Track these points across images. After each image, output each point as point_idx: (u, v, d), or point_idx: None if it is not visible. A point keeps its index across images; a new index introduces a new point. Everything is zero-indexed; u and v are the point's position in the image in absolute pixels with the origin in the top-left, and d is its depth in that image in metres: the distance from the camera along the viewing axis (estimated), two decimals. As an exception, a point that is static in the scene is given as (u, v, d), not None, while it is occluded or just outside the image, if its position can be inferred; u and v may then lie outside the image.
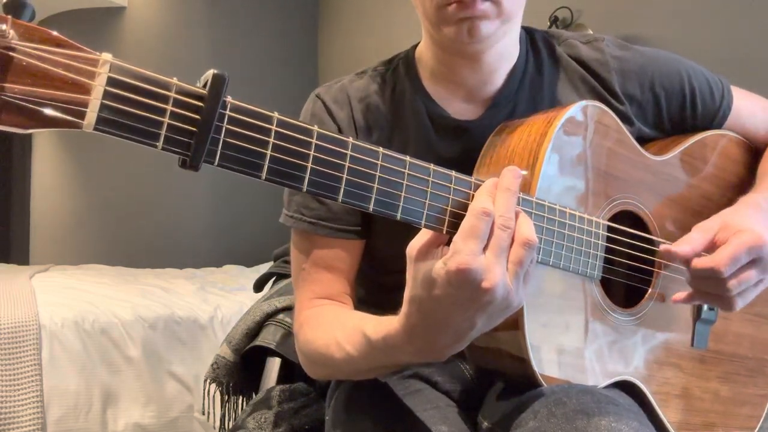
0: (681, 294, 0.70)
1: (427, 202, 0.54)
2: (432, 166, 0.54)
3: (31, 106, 0.39)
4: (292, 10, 4.23)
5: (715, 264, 0.64)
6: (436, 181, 0.54)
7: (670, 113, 0.83)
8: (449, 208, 0.55)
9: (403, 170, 0.52)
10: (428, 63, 0.81)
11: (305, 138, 0.48)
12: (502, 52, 0.78)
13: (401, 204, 0.52)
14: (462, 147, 0.78)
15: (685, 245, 0.67)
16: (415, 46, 0.86)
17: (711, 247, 0.69)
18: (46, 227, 3.82)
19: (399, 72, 0.84)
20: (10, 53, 0.38)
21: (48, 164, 3.84)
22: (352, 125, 0.80)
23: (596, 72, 0.81)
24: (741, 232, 0.66)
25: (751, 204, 0.74)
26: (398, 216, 0.52)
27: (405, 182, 0.53)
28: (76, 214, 3.75)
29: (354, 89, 0.82)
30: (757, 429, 0.85)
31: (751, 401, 0.85)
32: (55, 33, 0.40)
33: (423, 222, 0.53)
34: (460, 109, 0.80)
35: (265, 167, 0.47)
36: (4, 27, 0.38)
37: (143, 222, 3.69)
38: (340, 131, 0.80)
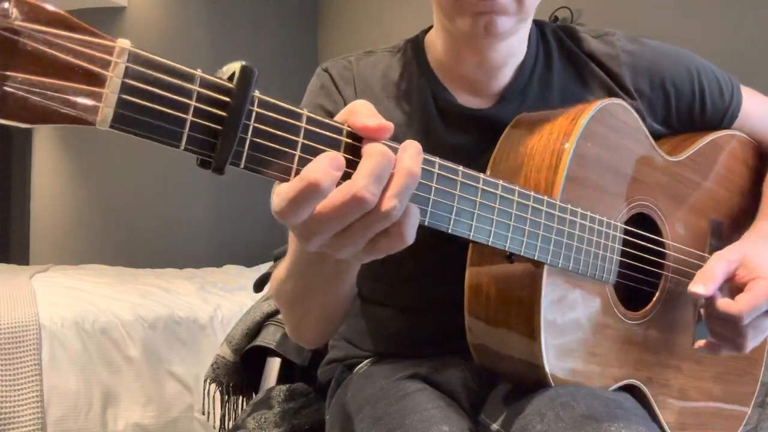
0: (702, 342, 0.71)
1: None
2: (461, 168, 0.52)
3: (35, 98, 0.34)
4: (292, 9, 4.23)
5: (736, 311, 0.65)
6: (464, 181, 0.52)
7: (679, 111, 0.82)
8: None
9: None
10: (436, 51, 0.81)
11: (336, 136, 0.44)
12: (509, 49, 0.77)
13: (430, 209, 0.50)
14: (466, 135, 0.78)
15: (709, 283, 0.66)
16: (425, 31, 0.85)
17: (729, 281, 0.69)
18: (46, 227, 3.82)
19: (407, 54, 0.83)
20: (13, 36, 0.33)
21: (48, 164, 3.83)
22: None
23: (607, 66, 0.80)
24: (762, 279, 0.66)
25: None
26: (426, 221, 0.50)
27: (434, 185, 0.49)
28: (76, 214, 3.75)
29: (360, 68, 0.82)
30: (740, 428, 0.86)
31: (740, 399, 0.86)
32: (65, 13, 0.34)
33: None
34: (467, 98, 0.79)
35: (294, 170, 0.43)
36: (6, 5, 0.33)
37: (143, 222, 3.69)
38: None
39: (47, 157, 3.84)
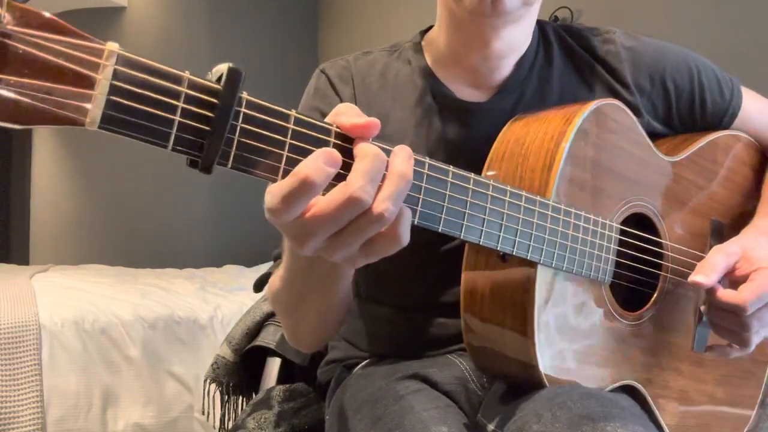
0: (710, 345, 0.72)
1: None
2: (451, 168, 0.52)
3: (27, 99, 0.35)
4: (292, 9, 4.23)
5: (740, 300, 0.64)
6: (454, 182, 0.52)
7: (680, 110, 0.82)
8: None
9: (422, 171, 0.50)
10: (437, 47, 0.81)
11: (324, 137, 0.45)
12: (511, 41, 0.77)
13: (419, 208, 0.50)
14: (464, 129, 0.78)
15: (710, 273, 0.66)
16: (423, 31, 0.86)
17: (729, 274, 0.69)
18: (46, 227, 3.82)
19: (405, 54, 0.84)
20: (5, 40, 0.34)
21: (48, 164, 3.83)
22: (354, 103, 0.80)
23: (608, 63, 0.80)
24: (765, 269, 0.66)
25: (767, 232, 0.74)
26: (416, 221, 0.50)
27: (424, 185, 0.50)
28: (76, 214, 3.75)
29: (358, 67, 0.83)
30: (746, 429, 0.86)
31: (743, 402, 0.86)
32: (55, 18, 0.36)
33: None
34: (465, 92, 0.80)
35: (281, 170, 0.43)
36: None
37: (143, 222, 3.69)
38: None
39: (47, 157, 3.84)
